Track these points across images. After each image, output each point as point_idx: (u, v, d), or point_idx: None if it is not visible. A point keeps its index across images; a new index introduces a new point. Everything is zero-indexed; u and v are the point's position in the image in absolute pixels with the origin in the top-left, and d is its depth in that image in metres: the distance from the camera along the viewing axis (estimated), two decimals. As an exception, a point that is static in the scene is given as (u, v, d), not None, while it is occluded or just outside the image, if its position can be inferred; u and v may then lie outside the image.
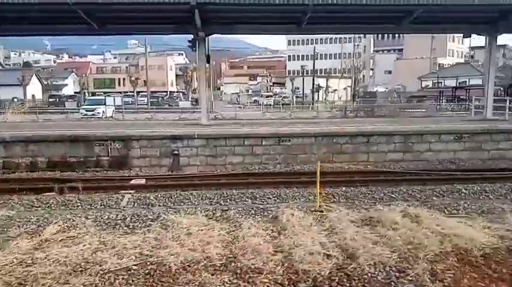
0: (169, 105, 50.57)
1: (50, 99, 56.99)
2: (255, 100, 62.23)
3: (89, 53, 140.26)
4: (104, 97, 39.11)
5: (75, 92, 74.41)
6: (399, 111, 37.21)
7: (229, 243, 5.97)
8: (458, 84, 56.50)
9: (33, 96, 61.76)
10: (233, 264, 5.27)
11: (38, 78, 66.21)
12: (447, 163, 14.55)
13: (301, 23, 16.47)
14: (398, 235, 6.22)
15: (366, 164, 14.33)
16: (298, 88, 63.49)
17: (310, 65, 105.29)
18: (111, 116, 36.28)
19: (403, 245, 5.82)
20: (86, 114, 34.56)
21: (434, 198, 10.34)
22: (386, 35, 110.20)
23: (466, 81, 60.05)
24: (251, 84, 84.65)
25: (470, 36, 19.77)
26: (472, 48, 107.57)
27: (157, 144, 13.65)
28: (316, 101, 55.75)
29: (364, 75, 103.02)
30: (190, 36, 16.72)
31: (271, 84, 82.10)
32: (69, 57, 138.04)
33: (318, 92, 62.07)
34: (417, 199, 10.08)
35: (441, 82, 63.22)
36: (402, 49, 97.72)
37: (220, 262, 5.32)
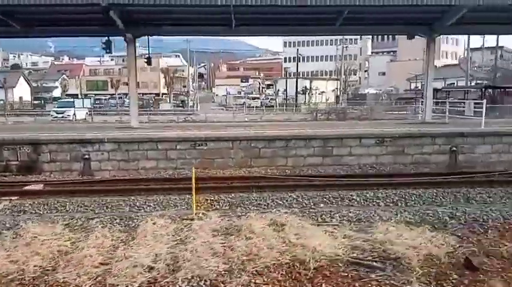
0: (150, 107, 50.31)
1: (35, 102, 57.16)
2: (243, 102, 61.94)
3: (92, 55, 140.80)
4: (72, 100, 38.89)
5: (67, 94, 74.75)
6: (383, 113, 36.98)
7: (62, 254, 5.78)
8: (445, 86, 55.88)
9: (20, 98, 62.03)
10: (45, 277, 5.10)
11: (26, 81, 66.35)
12: (368, 167, 14.23)
13: (231, 24, 16.20)
14: (246, 245, 6.02)
15: (284, 168, 14.05)
16: (285, 90, 63.12)
17: (306, 67, 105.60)
18: (84, 119, 36.24)
19: (241, 256, 5.62)
20: (56, 117, 34.48)
21: (322, 205, 10.07)
22: (381, 36, 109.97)
23: (454, 83, 59.51)
24: (243, 86, 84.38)
25: (413, 37, 19.33)
26: (471, 49, 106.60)
27: (67, 148, 13.45)
28: (303, 103, 55.51)
29: (360, 77, 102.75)
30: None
31: (263, 86, 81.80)
32: (69, 59, 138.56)
33: (305, 94, 61.72)
34: (303, 206, 9.83)
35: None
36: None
37: (33, 275, 5.14)
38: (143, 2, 13.91)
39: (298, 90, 63.32)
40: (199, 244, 6.06)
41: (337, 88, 64.13)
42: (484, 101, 15.40)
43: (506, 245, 5.96)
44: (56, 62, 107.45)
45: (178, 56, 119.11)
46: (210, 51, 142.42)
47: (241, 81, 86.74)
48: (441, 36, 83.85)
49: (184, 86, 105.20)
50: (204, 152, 13.88)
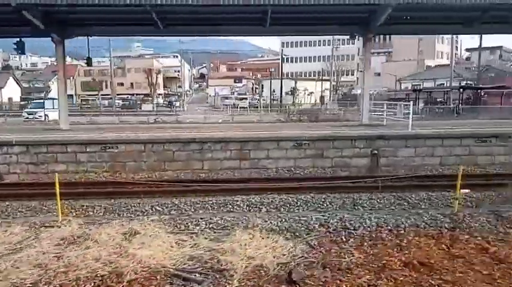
0: (132, 108, 50.23)
1: (22, 103, 57.24)
2: (233, 103, 61.55)
3: (98, 56, 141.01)
4: (42, 101, 38.79)
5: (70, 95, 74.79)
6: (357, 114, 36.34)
7: None
8: (429, 86, 55.31)
9: (9, 99, 62.24)
10: None
11: (17, 82, 66.60)
12: (286, 171, 13.84)
13: (157, 24, 15.89)
14: (77, 255, 5.75)
15: (200, 172, 13.72)
16: (274, 91, 62.71)
17: (303, 67, 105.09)
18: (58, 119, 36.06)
19: (61, 267, 5.37)
20: (27, 118, 34.39)
21: (200, 211, 9.75)
22: (378, 37, 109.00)
23: (443, 83, 58.76)
24: (237, 87, 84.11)
25: (354, 37, 18.86)
26: (467, 49, 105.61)
27: (-26, 151, 13.19)
28: (291, 104, 54.97)
29: (358, 78, 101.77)
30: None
31: (257, 86, 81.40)
32: (71, 60, 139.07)
33: (293, 94, 61.29)
34: (181, 212, 9.51)
35: (419, 84, 61.81)
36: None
37: None
38: (55, 1, 13.64)
39: (287, 91, 63.03)
40: (31, 254, 5.86)
41: (326, 89, 63.50)
42: (411, 103, 14.89)
43: (352, 256, 5.66)
44: (54, 63, 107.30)
45: (177, 56, 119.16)
46: (214, 51, 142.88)
47: (235, 82, 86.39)
48: (437, 36, 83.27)
49: (180, 87, 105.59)
50: (115, 155, 13.58)
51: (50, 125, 22.73)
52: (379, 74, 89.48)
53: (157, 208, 9.83)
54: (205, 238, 6.54)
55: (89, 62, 18.20)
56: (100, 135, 15.03)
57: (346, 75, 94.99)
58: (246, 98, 63.19)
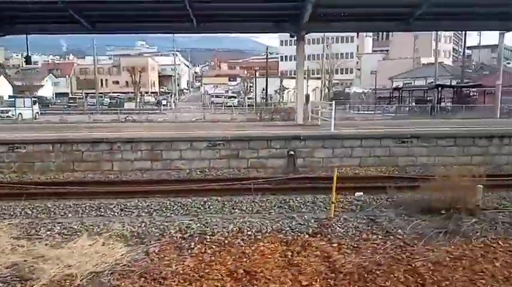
0: (115, 107, 50.01)
1: (9, 100, 57.45)
2: (223, 102, 61.27)
3: (105, 55, 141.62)
4: (14, 99, 38.79)
5: (57, 93, 75.38)
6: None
7: None
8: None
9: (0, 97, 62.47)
10: None
11: (8, 80, 66.85)
12: (199, 172, 13.39)
13: (87, 23, 15.58)
14: None
15: (109, 173, 13.33)
16: (264, 89, 62.26)
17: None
18: (35, 118, 36.02)
19: None
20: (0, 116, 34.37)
21: (70, 215, 9.33)
22: (377, 34, 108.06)
23: (432, 82, 57.83)
24: (231, 85, 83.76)
25: (293, 36, 18.25)
26: (468, 48, 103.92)
27: None
28: (278, 103, 54.47)
29: (357, 76, 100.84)
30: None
31: (251, 85, 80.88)
32: (76, 59, 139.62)
33: (281, 93, 60.76)
34: (51, 216, 9.10)
35: (410, 83, 60.93)
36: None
37: None
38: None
39: (276, 89, 62.50)
40: None
41: (317, 87, 62.85)
42: (333, 102, 14.34)
43: (182, 264, 5.46)
44: (50, 61, 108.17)
45: (176, 55, 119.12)
46: (219, 49, 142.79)
47: (229, 80, 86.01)
48: (432, 33, 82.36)
49: (178, 85, 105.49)
50: (23, 156, 13.25)
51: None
52: (375, 72, 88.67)
53: (28, 211, 9.43)
54: (46, 244, 6.23)
55: (27, 61, 17.88)
56: (8, 135, 14.69)
57: (345, 73, 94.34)
58: (234, 97, 62.84)
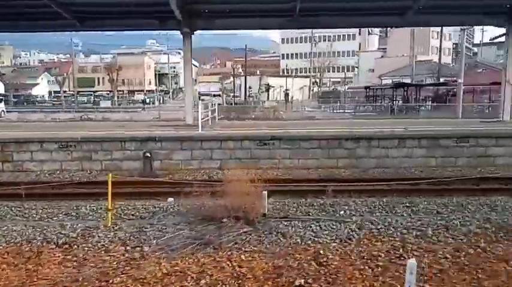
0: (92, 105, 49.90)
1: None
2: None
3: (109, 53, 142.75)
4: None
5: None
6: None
7: None
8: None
9: (-10, 96, 63.17)
10: None
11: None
12: (48, 174, 12.59)
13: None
14: None
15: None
16: (251, 87, 61.41)
17: (296, 64, 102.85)
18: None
19: None
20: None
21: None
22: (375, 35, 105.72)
23: (422, 80, 56.12)
24: (225, 83, 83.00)
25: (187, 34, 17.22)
26: (474, 45, 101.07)
27: None
28: (258, 101, 53.47)
29: (355, 74, 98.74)
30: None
31: (229, 83, 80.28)
32: (85, 56, 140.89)
33: (268, 91, 59.86)
34: None
35: (399, 80, 59.05)
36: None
37: None
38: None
39: (262, 88, 61.56)
40: None
41: (305, 85, 61.63)
42: (200, 102, 13.41)
43: None
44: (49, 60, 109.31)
45: (179, 53, 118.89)
46: (233, 49, 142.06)
47: (220, 79, 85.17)
48: (431, 29, 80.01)
49: (176, 83, 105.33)
50: None
51: None
52: (373, 70, 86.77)
53: None
54: None
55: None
56: None
57: (347, 71, 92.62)
58: (220, 95, 62.09)
